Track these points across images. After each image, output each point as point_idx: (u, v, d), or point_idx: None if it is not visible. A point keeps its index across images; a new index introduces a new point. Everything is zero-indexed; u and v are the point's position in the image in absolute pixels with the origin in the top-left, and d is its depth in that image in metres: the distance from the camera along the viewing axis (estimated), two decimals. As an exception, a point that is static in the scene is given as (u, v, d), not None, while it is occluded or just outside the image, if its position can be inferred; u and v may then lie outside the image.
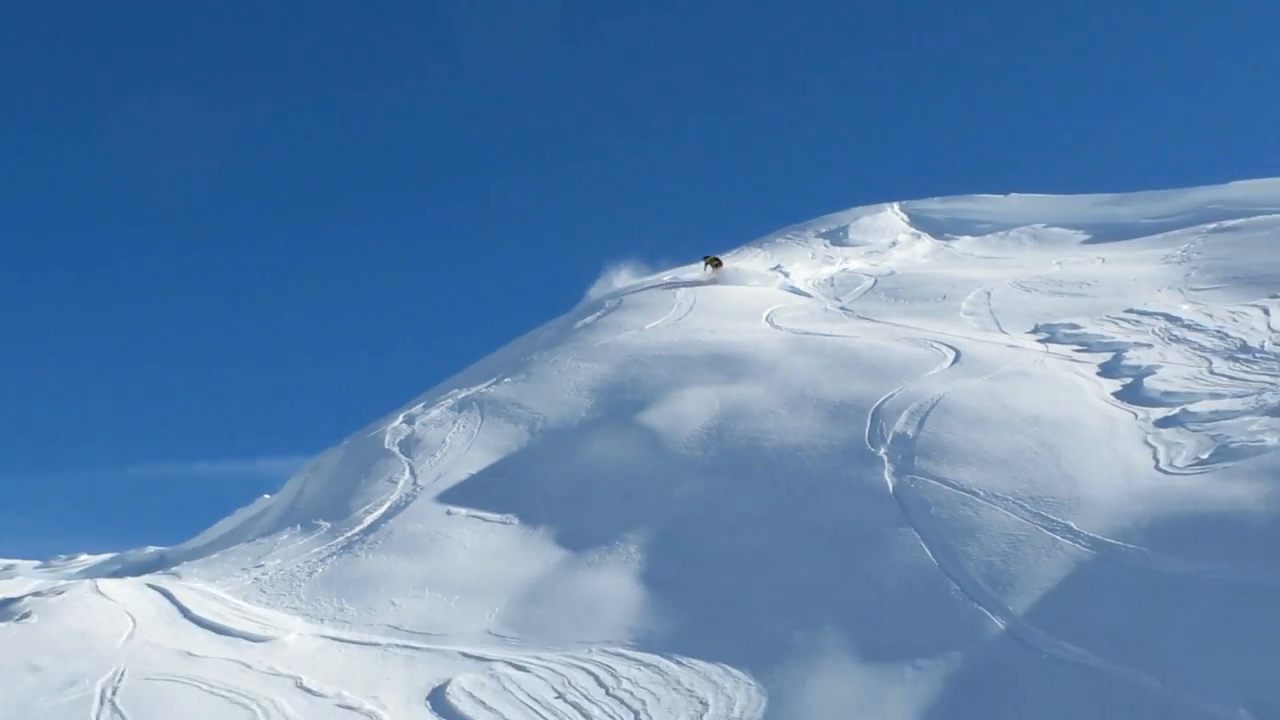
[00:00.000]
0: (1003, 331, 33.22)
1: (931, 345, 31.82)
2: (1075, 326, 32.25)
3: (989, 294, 37.00)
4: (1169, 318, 31.59)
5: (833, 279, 42.37)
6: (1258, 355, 27.70)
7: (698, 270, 44.32)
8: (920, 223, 50.23)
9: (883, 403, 27.87)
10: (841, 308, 38.46)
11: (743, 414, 29.20)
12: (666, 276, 44.18)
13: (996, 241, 46.05)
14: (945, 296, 37.44)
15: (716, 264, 44.40)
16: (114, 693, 20.63)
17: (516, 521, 26.93)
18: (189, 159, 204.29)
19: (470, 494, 28.83)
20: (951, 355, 30.71)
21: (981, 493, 23.14)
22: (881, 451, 25.62)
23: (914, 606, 20.46)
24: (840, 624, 20.46)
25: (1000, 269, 40.59)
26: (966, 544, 21.69)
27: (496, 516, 27.31)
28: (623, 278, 47.30)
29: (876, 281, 40.96)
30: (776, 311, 37.98)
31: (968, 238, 47.38)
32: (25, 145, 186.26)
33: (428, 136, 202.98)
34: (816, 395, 29.26)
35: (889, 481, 24.39)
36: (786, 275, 42.82)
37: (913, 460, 24.91)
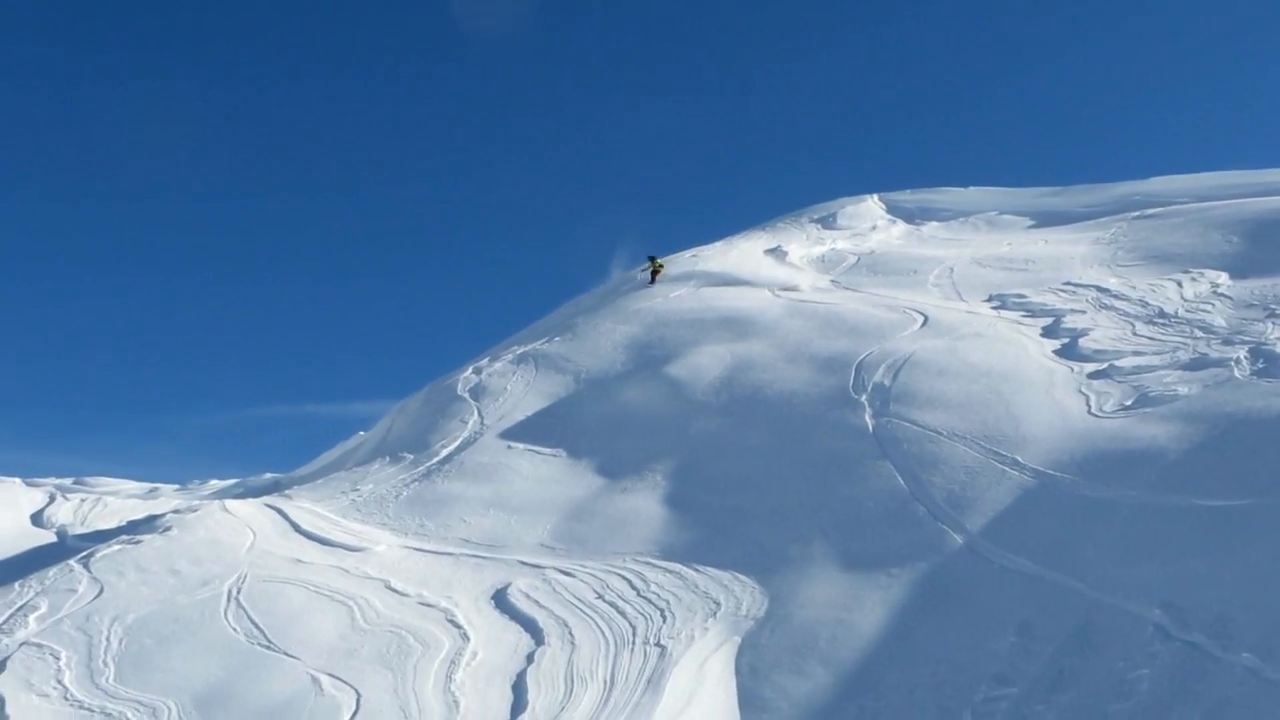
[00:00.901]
0: (962, 300, 33.08)
1: (904, 311, 31.74)
2: (1022, 296, 32.09)
3: (951, 269, 36.83)
4: (1099, 289, 31.42)
5: (823, 256, 42.22)
6: (1173, 320, 27.55)
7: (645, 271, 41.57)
8: (895, 210, 49.92)
9: (864, 358, 27.85)
10: (830, 280, 38.36)
11: (749, 366, 29.22)
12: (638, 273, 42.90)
13: (958, 226, 45.72)
14: (915, 271, 37.29)
15: (658, 269, 40.71)
16: (239, 592, 20.83)
17: (564, 454, 27.03)
18: (302, 126, 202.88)
19: (526, 431, 28.93)
20: (920, 319, 30.63)
21: (944, 432, 23.14)
22: (862, 398, 25.62)
23: (888, 524, 20.51)
24: (827, 538, 20.53)
25: (960, 249, 40.34)
26: (931, 474, 21.71)
27: (548, 450, 27.41)
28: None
29: (859, 259, 40.82)
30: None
31: (934, 223, 47.05)
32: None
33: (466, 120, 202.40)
34: (809, 351, 29.25)
35: (868, 422, 24.40)
36: (785, 253, 42.69)
37: (888, 405, 24.91)
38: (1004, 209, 46.79)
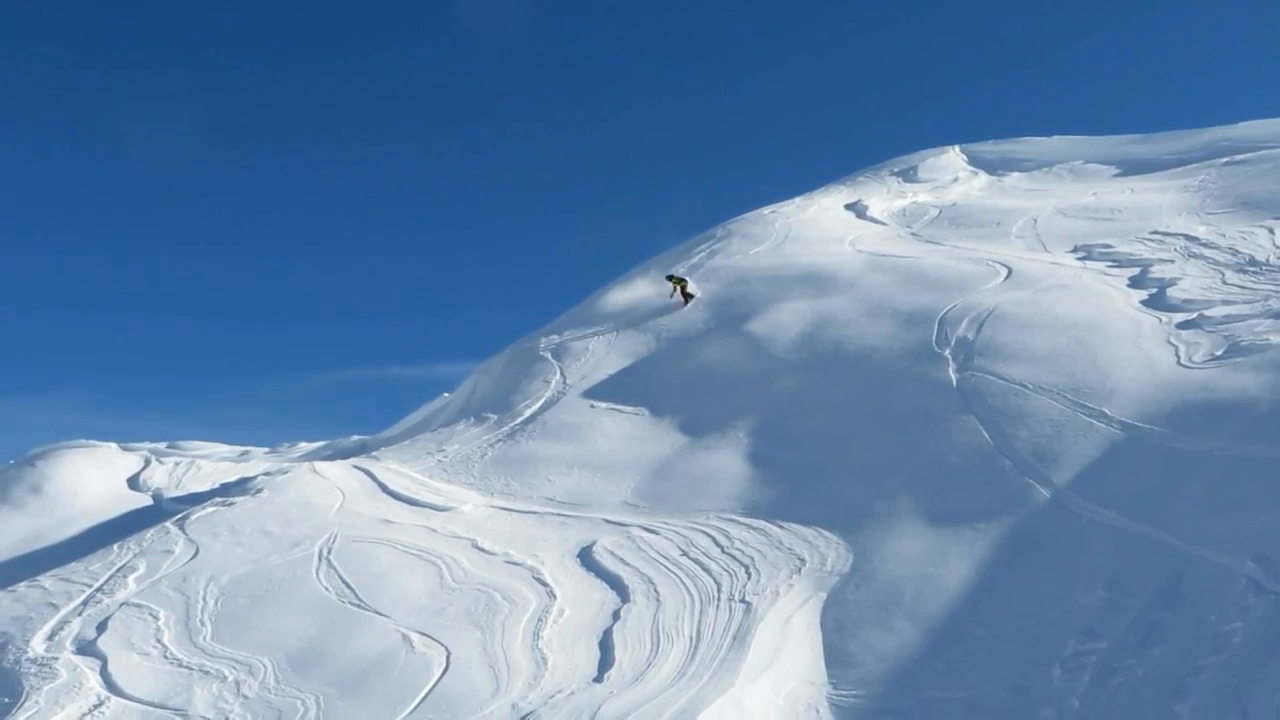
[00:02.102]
0: (1046, 251, 32.61)
1: (987, 264, 31.37)
2: (1108, 246, 31.57)
3: (1035, 220, 36.31)
4: (1188, 238, 30.83)
5: (904, 210, 41.77)
6: (1264, 268, 26.99)
7: (665, 289, 35.10)
8: (977, 162, 49.26)
9: (947, 311, 27.58)
10: (912, 234, 37.97)
11: (830, 322, 29.06)
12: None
13: (1041, 176, 45.04)
14: (998, 223, 36.81)
15: (682, 284, 34.29)
16: (329, 552, 21.15)
17: (646, 412, 27.08)
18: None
19: (609, 391, 29.01)
20: (1004, 272, 30.26)
21: (1029, 385, 22.88)
22: (946, 352, 25.39)
23: (973, 479, 20.34)
24: (911, 493, 20.41)
25: (1044, 199, 39.74)
26: (1017, 427, 21.49)
27: (630, 409, 27.48)
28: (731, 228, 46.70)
29: (941, 212, 40.34)
30: (858, 238, 37.61)
31: (1017, 174, 46.39)
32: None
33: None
34: (891, 306, 29.02)
35: (952, 376, 24.19)
36: (865, 207, 42.29)
37: (972, 359, 24.67)
38: (1088, 158, 46.03)
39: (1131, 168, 43.12)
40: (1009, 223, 36.53)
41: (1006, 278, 29.73)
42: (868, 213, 41.70)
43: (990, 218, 37.84)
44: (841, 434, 23.41)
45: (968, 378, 23.90)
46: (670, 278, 34.65)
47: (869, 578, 18.10)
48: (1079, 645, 15.36)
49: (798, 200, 46.01)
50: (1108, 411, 21.18)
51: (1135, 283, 27.81)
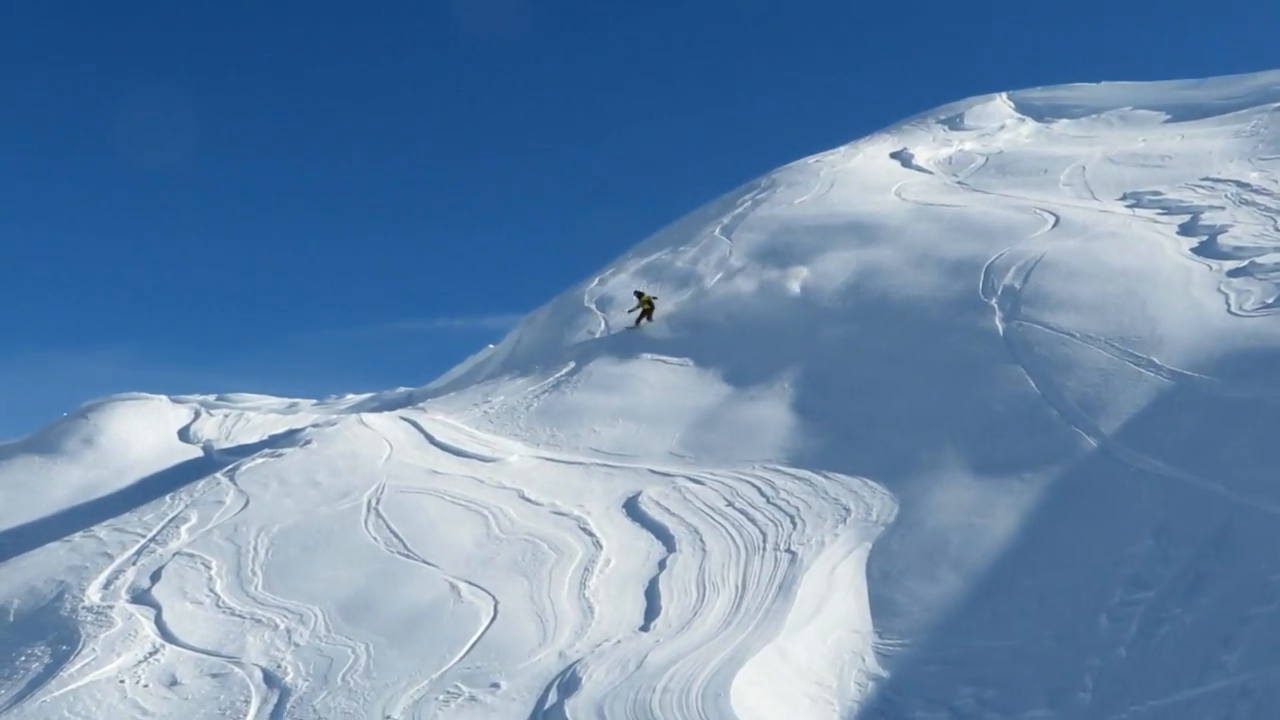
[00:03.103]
0: (1095, 199, 32.25)
1: (1034, 212, 31.07)
2: (1158, 193, 31.19)
3: (1083, 168, 35.90)
4: (1239, 184, 30.40)
5: (950, 158, 41.39)
6: (1317, 214, 26.65)
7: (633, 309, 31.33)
8: (1024, 109, 48.75)
9: (993, 260, 27.37)
10: (958, 182, 37.64)
11: (875, 272, 28.91)
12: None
13: (1089, 123, 44.52)
14: (1046, 171, 36.43)
15: (649, 305, 30.69)
16: (377, 502, 21.34)
17: (691, 363, 27.08)
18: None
19: (653, 341, 29.03)
20: (1051, 220, 29.97)
21: (1077, 334, 22.70)
22: (992, 301, 25.21)
23: (1020, 429, 20.24)
24: (957, 443, 20.33)
25: (1093, 146, 39.29)
26: (1064, 377, 21.34)
27: (675, 359, 27.49)
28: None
29: (987, 160, 39.95)
30: (903, 186, 37.33)
31: (1065, 120, 45.88)
32: None
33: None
34: (937, 255, 28.82)
35: (999, 326, 24.02)
36: (911, 156, 41.95)
37: (1019, 308, 24.49)
38: (1138, 104, 45.46)
39: (1182, 113, 42.57)
40: (1057, 170, 36.15)
41: (1054, 226, 29.44)
42: (913, 161, 41.38)
43: (1038, 165, 37.47)
44: (887, 384, 23.33)
45: (1014, 327, 23.73)
46: (639, 294, 30.99)
47: (915, 527, 18.07)
48: (1126, 595, 15.28)
49: (842, 149, 45.72)
50: (1156, 360, 20.98)
51: (1185, 230, 27.47)
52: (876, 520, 18.59)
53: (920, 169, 40.18)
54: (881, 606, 16.26)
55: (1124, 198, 31.79)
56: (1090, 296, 24.15)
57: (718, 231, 35.86)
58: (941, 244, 29.59)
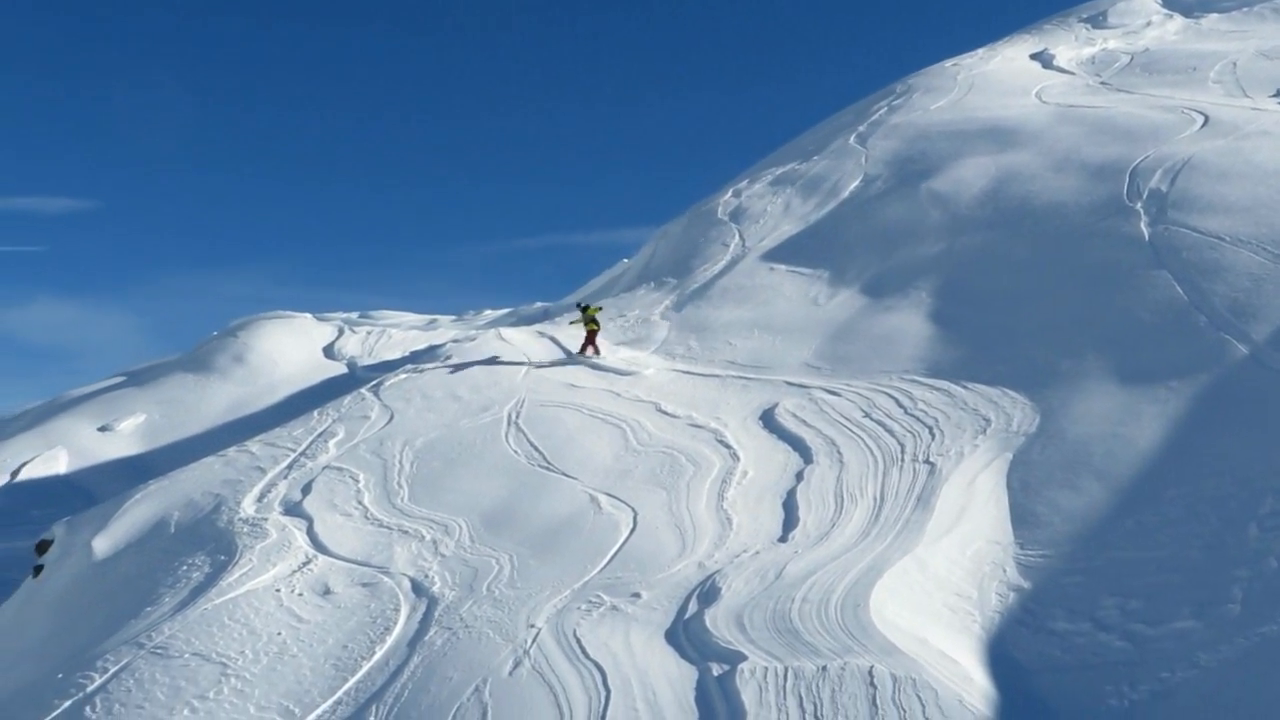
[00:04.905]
0: (1246, 96, 31.06)
1: (1182, 112, 30.05)
2: (1314, 89, 29.99)
3: (1234, 64, 34.56)
4: (1402, 76, 29.06)
5: (1093, 58, 40.17)
6: None
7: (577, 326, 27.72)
8: (1171, 4, 47.06)
9: (1138, 163, 26.57)
10: (1101, 82, 36.52)
11: (1014, 177, 28.29)
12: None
13: (1241, 16, 42.80)
14: (1194, 68, 35.16)
15: (592, 325, 25.92)
16: (517, 416, 21.67)
17: (826, 274, 26.87)
18: None
19: (788, 252, 28.85)
20: (1200, 120, 28.97)
21: (1227, 238, 21.97)
22: (1137, 205, 24.51)
23: (1166, 336, 19.72)
24: (1100, 352, 19.91)
25: (1245, 41, 37.77)
26: (1213, 282, 20.70)
27: (810, 270, 27.30)
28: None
29: (1132, 58, 38.69)
30: (1044, 89, 36.34)
31: (1214, 14, 44.18)
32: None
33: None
34: (1079, 159, 28.09)
35: (1144, 230, 23.36)
36: (1052, 56, 40.83)
37: (1165, 211, 23.77)
38: (1294, -6, 43.53)
39: (1341, 3, 40.66)
40: (1206, 67, 34.89)
41: (1203, 126, 28.46)
42: (1054, 62, 40.27)
43: (1185, 63, 36.19)
44: (1027, 292, 22.90)
45: (1161, 231, 23.05)
46: (582, 308, 26.79)
47: (1056, 437, 17.79)
48: (1277, 504, 14.89)
49: (980, 52, 44.66)
50: (1311, 263, 20.27)
51: (1343, 127, 26.36)
52: (1017, 430, 18.34)
53: (1061, 70, 39.10)
54: (1022, 517, 16.09)
55: (1278, 94, 30.58)
56: (1241, 198, 23.34)
57: (852, 140, 35.38)
58: (1084, 147, 28.82)
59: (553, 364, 24.86)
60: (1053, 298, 22.35)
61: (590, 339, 25.70)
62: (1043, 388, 19.37)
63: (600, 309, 27.07)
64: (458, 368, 24.73)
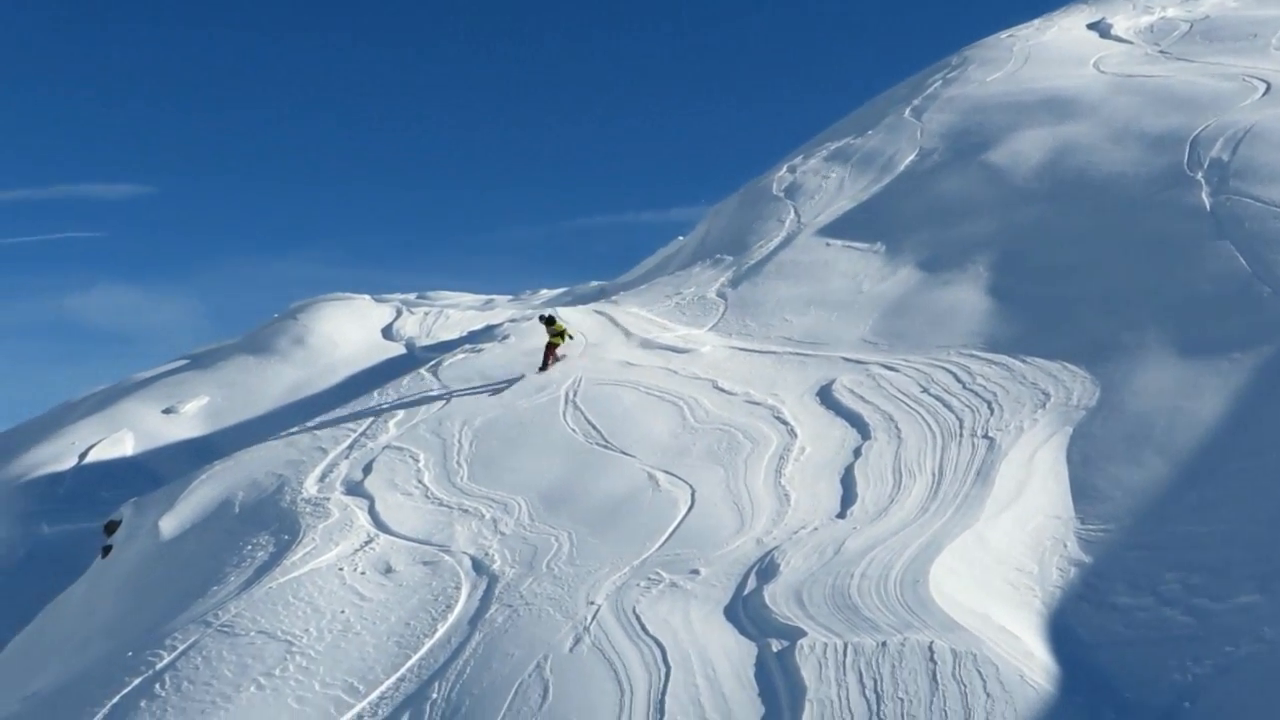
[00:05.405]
0: (1311, 63, 30.57)
1: (1243, 80, 29.57)
2: (1379, 54, 29.41)
3: (1298, 30, 34.01)
4: None
5: (1151, 26, 39.59)
6: None
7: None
8: (1233, -31, 46.32)
9: (1199, 132, 26.20)
10: (1160, 51, 36.01)
11: (1072, 149, 27.99)
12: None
13: (1305, -19, 42.05)
14: (1255, 35, 34.57)
15: (556, 341, 24.09)
16: (575, 394, 21.75)
17: (882, 248, 26.74)
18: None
19: (843, 228, 28.72)
20: (1262, 87, 28.51)
21: (1290, 207, 21.66)
22: (1198, 175, 24.17)
23: (1228, 308, 19.45)
24: (1161, 324, 19.68)
25: (1309, 6, 37.14)
26: (1277, 253, 20.38)
27: (865, 245, 27.17)
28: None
29: (1192, 26, 38.10)
30: (1101, 58, 35.89)
31: (1278, -21, 43.43)
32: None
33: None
34: (1138, 129, 27.74)
35: (1205, 201, 23.05)
36: (1109, 26, 40.31)
37: (1227, 181, 23.43)
38: (1359, -42, 42.63)
39: None
40: (1268, 34, 34.30)
41: (1264, 94, 28.01)
42: (1112, 31, 39.72)
43: (1247, 29, 35.59)
44: (1086, 264, 22.67)
45: (1222, 201, 22.73)
46: (547, 320, 24.70)
47: (1116, 411, 17.62)
48: (1343, 477, 14.70)
49: (1036, 22, 44.15)
50: (1377, 232, 19.93)
51: None
52: (1077, 404, 18.19)
53: (1119, 39, 38.57)
54: (1083, 491, 15.96)
55: (1342, 60, 30.07)
56: (1305, 167, 23.00)
57: (907, 113, 35.14)
58: (1143, 117, 28.46)
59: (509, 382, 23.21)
60: (1112, 270, 22.11)
61: (550, 350, 23.94)
62: (1103, 361, 19.18)
63: (571, 337, 24.71)
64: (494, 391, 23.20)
